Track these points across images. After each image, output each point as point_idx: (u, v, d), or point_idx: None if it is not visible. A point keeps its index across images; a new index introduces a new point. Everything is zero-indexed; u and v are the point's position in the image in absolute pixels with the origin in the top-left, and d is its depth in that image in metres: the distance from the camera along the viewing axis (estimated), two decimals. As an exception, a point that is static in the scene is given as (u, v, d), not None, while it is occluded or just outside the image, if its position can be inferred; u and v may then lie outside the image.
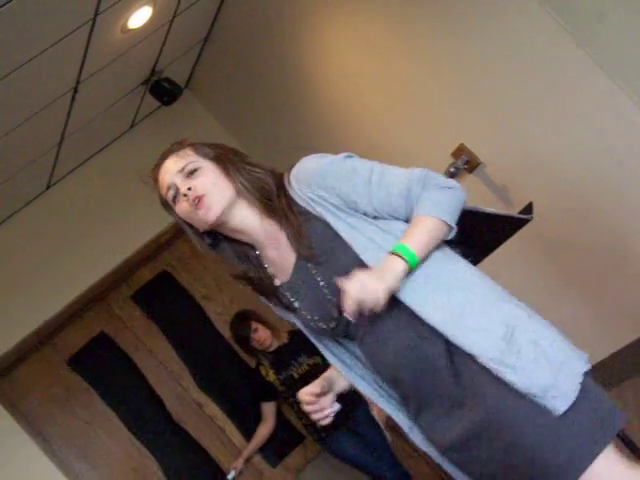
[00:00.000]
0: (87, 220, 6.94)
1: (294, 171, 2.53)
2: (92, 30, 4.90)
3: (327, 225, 2.45)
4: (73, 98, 5.60)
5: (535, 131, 4.62)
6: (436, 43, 4.90)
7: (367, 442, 6.17)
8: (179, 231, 7.11)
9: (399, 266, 2.32)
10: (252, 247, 2.59)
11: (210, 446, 7.08)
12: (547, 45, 4.30)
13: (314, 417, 2.62)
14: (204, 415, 7.12)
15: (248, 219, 2.53)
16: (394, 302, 2.36)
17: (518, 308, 2.39)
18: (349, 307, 2.31)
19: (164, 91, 6.45)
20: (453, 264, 2.46)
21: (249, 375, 6.80)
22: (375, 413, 6.18)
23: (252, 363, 6.68)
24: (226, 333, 6.91)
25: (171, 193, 2.56)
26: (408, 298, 2.36)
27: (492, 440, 2.31)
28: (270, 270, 2.59)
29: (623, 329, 4.87)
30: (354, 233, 2.42)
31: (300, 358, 6.22)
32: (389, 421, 6.26)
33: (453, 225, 2.41)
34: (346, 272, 2.37)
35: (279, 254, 2.55)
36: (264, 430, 6.69)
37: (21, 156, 5.93)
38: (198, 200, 2.49)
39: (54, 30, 4.61)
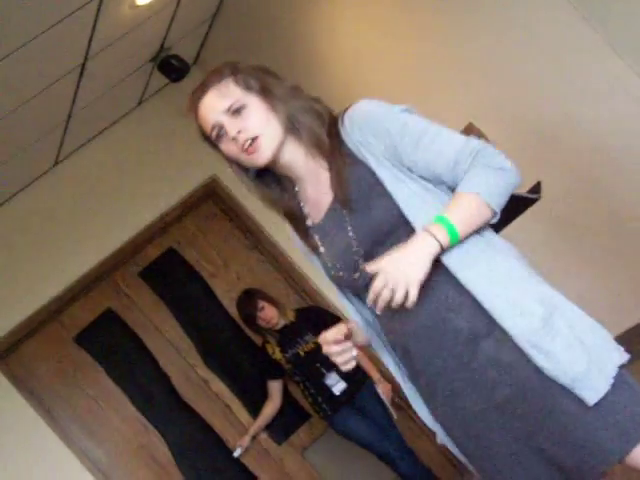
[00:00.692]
0: (94, 197, 6.95)
1: (350, 111, 2.40)
2: (100, 6, 4.89)
3: (371, 172, 2.34)
4: (81, 74, 5.60)
5: (544, 110, 4.60)
6: (444, 22, 4.88)
7: (373, 420, 6.18)
8: (186, 208, 7.18)
9: (434, 248, 2.20)
10: (291, 182, 2.51)
11: (216, 423, 7.10)
12: (556, 23, 4.28)
13: (338, 360, 2.41)
14: (211, 392, 7.14)
15: (295, 156, 2.43)
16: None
17: (555, 290, 2.29)
18: (377, 306, 2.22)
19: (172, 68, 6.44)
20: (492, 237, 2.36)
21: (255, 353, 6.82)
22: (381, 391, 6.19)
23: (258, 341, 6.69)
24: (233, 311, 6.91)
25: (215, 132, 2.41)
26: (451, 261, 2.25)
27: (515, 421, 2.24)
28: (305, 209, 2.51)
29: (630, 309, 4.86)
30: (399, 184, 2.31)
31: (306, 336, 6.23)
32: (395, 399, 6.29)
33: (498, 211, 2.28)
34: (380, 223, 2.31)
35: (317, 193, 2.46)
36: (270, 408, 6.70)
37: (29, 132, 5.93)
38: (249, 144, 2.36)
39: (62, 5, 4.60)
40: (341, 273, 2.43)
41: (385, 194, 2.31)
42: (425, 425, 2.52)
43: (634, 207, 4.48)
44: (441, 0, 4.80)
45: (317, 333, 6.17)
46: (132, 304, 7.19)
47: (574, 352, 2.16)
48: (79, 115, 6.21)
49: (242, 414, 7.14)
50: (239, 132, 2.37)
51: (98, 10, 4.91)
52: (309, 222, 2.50)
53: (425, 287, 2.23)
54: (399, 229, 2.30)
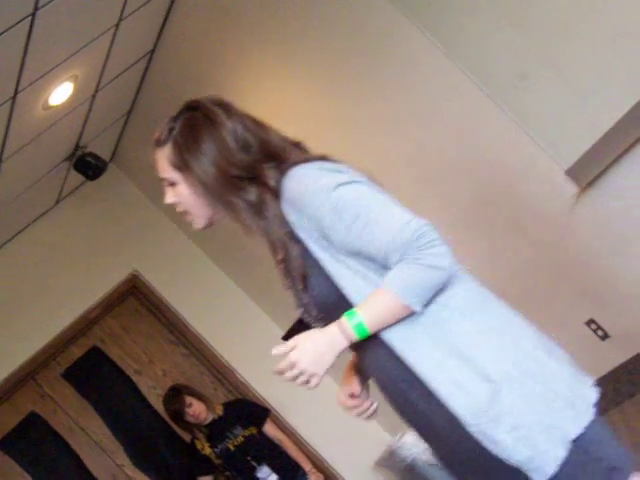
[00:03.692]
0: (13, 298, 6.84)
1: (284, 182, 2.33)
2: (13, 108, 4.87)
3: (308, 252, 2.30)
4: (-4, 176, 5.56)
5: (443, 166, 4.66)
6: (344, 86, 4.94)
7: (306, 511, 6.11)
8: (108, 306, 7.09)
9: (340, 345, 2.24)
10: None
11: (147, 525, 6.96)
12: (455, 95, 4.36)
13: (359, 413, 2.57)
14: (140, 493, 7.00)
15: None
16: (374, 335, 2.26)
17: (511, 358, 2.17)
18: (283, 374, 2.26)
19: (89, 166, 6.41)
20: (449, 300, 2.25)
21: (184, 449, 6.72)
22: (314, 481, 6.14)
23: (187, 437, 6.60)
24: (160, 407, 6.82)
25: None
26: (395, 342, 2.23)
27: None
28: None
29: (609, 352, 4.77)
30: (337, 264, 2.27)
31: (235, 430, 6.15)
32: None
33: (418, 309, 2.18)
34: (323, 302, 2.33)
35: None
36: (202, 505, 6.59)
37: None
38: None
39: (-26, 109, 4.59)
40: (305, 315, 2.48)
41: (324, 274, 2.28)
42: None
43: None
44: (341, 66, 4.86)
45: (246, 426, 6.13)
46: (56, 406, 7.05)
47: (519, 437, 2.09)
48: (-5, 217, 6.15)
49: (173, 513, 7.01)
50: (171, 203, 2.50)
51: (11, 112, 4.89)
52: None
53: (374, 355, 2.31)
54: (342, 305, 2.26)
